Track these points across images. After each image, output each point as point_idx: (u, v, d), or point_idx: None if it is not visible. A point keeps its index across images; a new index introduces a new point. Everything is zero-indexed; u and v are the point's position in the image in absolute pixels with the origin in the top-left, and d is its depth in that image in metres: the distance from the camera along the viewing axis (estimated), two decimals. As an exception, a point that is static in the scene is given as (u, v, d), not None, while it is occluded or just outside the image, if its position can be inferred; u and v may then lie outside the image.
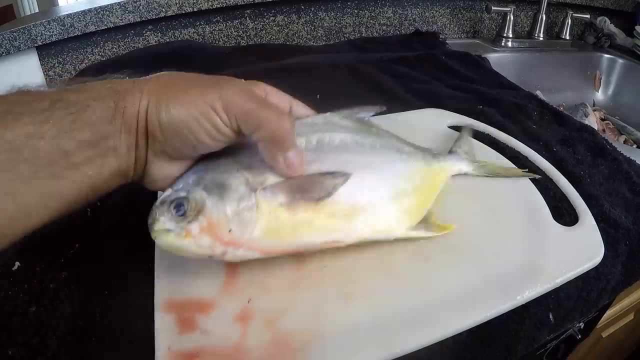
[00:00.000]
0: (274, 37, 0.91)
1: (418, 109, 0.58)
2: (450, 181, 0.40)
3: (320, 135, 0.33)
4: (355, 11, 0.95)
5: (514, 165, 0.45)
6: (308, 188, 0.29)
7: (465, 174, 0.42)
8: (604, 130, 0.92)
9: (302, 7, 0.90)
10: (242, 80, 0.31)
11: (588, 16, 1.02)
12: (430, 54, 0.82)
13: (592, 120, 0.89)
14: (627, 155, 0.53)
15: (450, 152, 0.43)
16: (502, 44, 1.01)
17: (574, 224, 0.37)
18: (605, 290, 0.38)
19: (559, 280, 0.32)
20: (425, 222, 0.34)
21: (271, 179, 0.29)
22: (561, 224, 0.37)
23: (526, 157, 0.47)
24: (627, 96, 1.02)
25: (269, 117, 0.26)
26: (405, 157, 0.36)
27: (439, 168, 0.38)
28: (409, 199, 0.34)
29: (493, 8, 0.96)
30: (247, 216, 0.28)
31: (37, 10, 2.07)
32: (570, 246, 0.35)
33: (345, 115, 0.37)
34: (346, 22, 0.95)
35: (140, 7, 0.75)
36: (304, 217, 0.29)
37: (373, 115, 0.55)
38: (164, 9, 0.77)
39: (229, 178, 0.28)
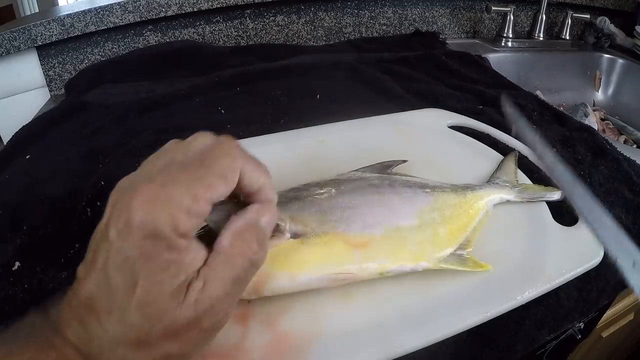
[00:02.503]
0: (274, 37, 0.91)
1: (418, 109, 0.58)
2: (491, 211, 0.38)
3: (335, 184, 0.34)
4: (355, 11, 0.95)
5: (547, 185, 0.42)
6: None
7: (508, 202, 0.39)
8: (604, 130, 0.92)
9: (302, 7, 0.90)
10: None
11: (588, 16, 1.02)
12: (430, 54, 0.82)
13: (592, 120, 0.89)
14: (627, 155, 0.53)
15: (488, 181, 0.41)
16: (502, 44, 1.01)
17: (573, 224, 0.37)
18: (605, 290, 0.38)
19: (558, 281, 0.32)
20: (460, 254, 0.33)
21: (282, 215, 0.30)
22: (561, 224, 0.37)
23: (526, 157, 0.48)
24: (627, 96, 1.01)
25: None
26: (429, 191, 0.36)
27: (473, 198, 0.37)
28: (439, 229, 0.33)
29: (493, 8, 0.96)
30: None
31: (37, 10, 2.08)
32: (570, 246, 0.35)
33: (365, 171, 0.39)
34: (346, 22, 0.95)
35: (140, 7, 0.75)
36: (315, 248, 0.29)
37: (373, 116, 0.55)
38: (164, 9, 0.77)
39: None
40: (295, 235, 0.29)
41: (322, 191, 0.33)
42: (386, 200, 0.33)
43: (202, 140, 0.23)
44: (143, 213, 0.19)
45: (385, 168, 0.40)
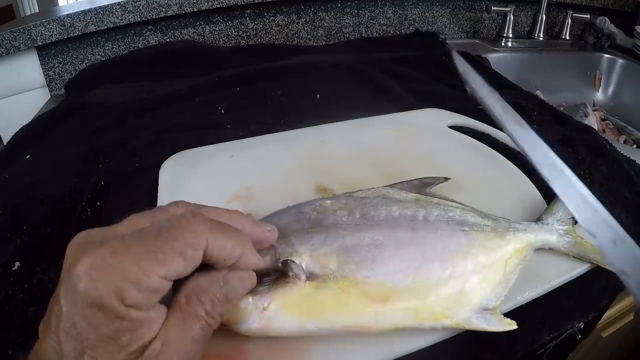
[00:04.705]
0: (274, 37, 0.91)
1: (418, 109, 0.58)
2: (530, 256, 0.32)
3: (364, 209, 0.31)
4: (355, 11, 0.95)
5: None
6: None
7: (551, 249, 0.34)
8: (604, 130, 0.92)
9: (302, 7, 0.90)
10: None
11: (588, 16, 1.02)
12: (430, 54, 0.82)
13: (592, 120, 0.89)
14: (627, 155, 0.53)
15: (539, 219, 0.35)
16: (502, 44, 1.01)
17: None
18: (605, 290, 0.38)
19: (558, 281, 0.32)
20: (486, 310, 0.29)
21: (300, 249, 0.28)
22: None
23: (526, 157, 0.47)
24: (627, 96, 1.01)
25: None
26: (467, 230, 0.31)
27: (515, 240, 0.32)
28: (469, 280, 0.29)
29: (493, 8, 0.96)
30: (262, 289, 0.26)
31: (37, 10, 2.08)
32: (570, 246, 0.35)
33: (402, 188, 0.35)
34: (346, 22, 0.95)
35: (140, 7, 0.75)
36: (329, 296, 0.26)
37: (373, 116, 0.55)
38: (164, 9, 0.77)
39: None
40: (311, 277, 0.27)
41: (349, 218, 0.30)
42: (418, 240, 0.29)
43: (171, 211, 0.22)
44: (87, 280, 0.18)
45: (424, 186, 0.35)
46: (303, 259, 0.27)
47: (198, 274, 0.22)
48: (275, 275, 0.26)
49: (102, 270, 0.18)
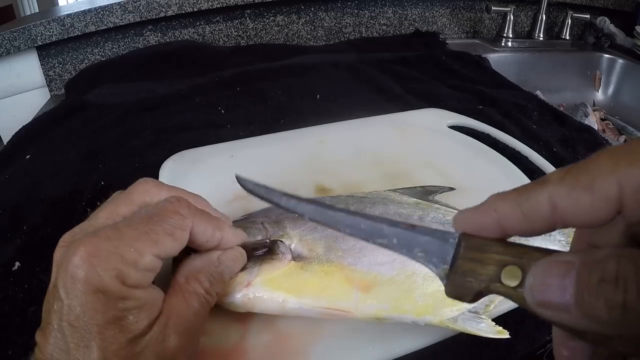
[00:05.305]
0: (274, 37, 0.91)
1: (418, 109, 0.58)
2: None
3: (361, 206, 0.32)
4: (355, 11, 0.95)
5: None
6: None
7: None
8: (604, 130, 0.92)
9: (302, 7, 0.90)
10: None
11: (588, 16, 1.02)
12: (430, 54, 0.82)
13: (592, 120, 0.89)
14: (627, 155, 0.53)
15: None
16: (502, 44, 1.01)
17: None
18: (605, 290, 0.37)
19: (559, 280, 0.32)
20: (476, 312, 0.28)
21: (291, 233, 0.29)
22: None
23: (526, 157, 0.48)
24: (627, 96, 1.01)
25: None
26: None
27: None
28: None
29: (493, 8, 0.96)
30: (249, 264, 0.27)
31: (37, 10, 2.08)
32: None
33: (404, 193, 0.35)
34: (346, 22, 0.95)
35: (140, 7, 0.75)
36: (313, 277, 0.27)
37: (373, 116, 0.55)
38: (164, 9, 0.77)
39: (251, 227, 0.28)
40: (298, 258, 0.28)
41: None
42: None
43: (145, 188, 0.23)
44: (87, 267, 0.18)
45: (427, 194, 0.36)
46: (292, 241, 0.28)
47: (194, 255, 0.23)
48: (264, 250, 0.27)
49: (100, 256, 0.19)
